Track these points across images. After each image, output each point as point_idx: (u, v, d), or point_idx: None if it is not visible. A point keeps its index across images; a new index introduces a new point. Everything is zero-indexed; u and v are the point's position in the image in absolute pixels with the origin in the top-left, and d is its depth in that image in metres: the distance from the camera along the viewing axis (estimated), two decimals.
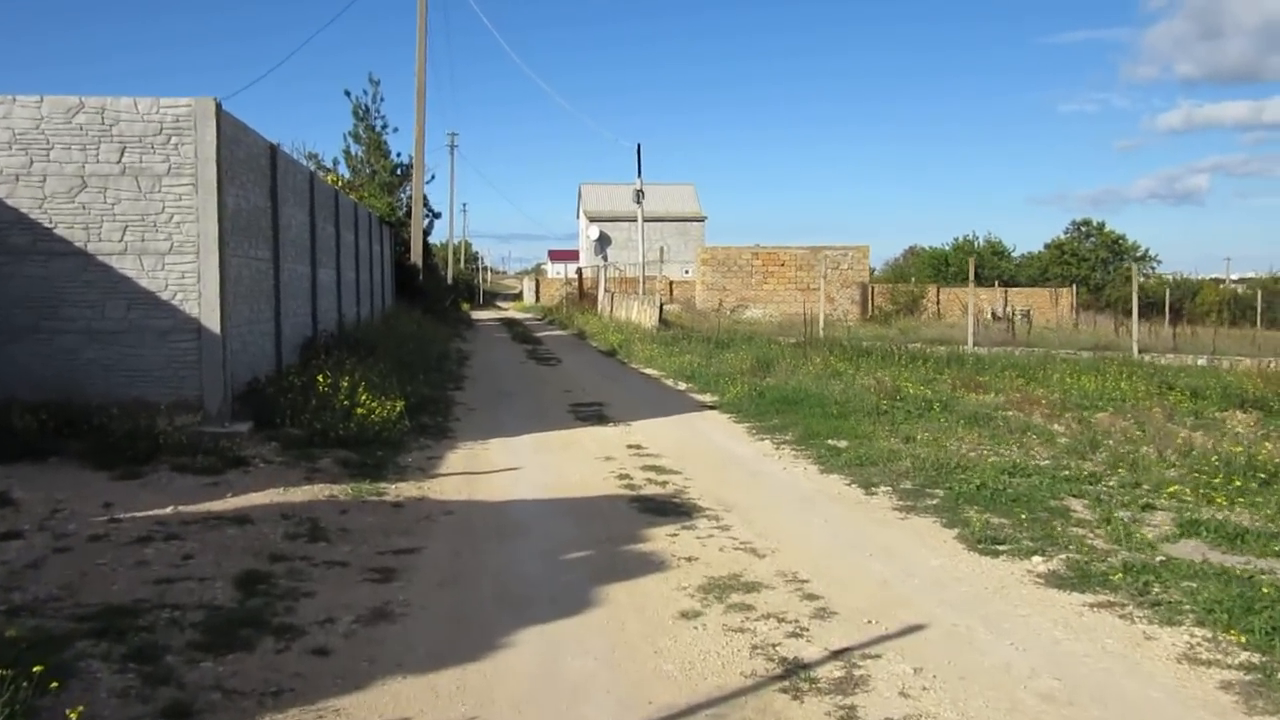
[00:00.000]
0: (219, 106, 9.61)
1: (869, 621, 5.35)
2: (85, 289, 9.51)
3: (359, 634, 5.04)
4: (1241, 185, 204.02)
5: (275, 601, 5.42)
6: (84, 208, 9.48)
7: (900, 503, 8.17)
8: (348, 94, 37.29)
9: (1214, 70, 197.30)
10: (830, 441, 11.10)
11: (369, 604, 5.47)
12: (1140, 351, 23.74)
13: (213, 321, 9.57)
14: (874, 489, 8.65)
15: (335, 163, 36.30)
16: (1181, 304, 49.97)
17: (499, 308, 72.54)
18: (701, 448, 10.96)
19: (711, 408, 14.38)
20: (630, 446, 10.95)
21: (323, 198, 16.33)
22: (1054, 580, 6.06)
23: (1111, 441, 11.12)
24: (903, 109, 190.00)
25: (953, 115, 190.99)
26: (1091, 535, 7.08)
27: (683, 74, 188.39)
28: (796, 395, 14.53)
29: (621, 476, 9.23)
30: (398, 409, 10.58)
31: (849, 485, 8.85)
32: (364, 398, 10.28)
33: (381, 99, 37.68)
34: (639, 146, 33.17)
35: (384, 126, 38.01)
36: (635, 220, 67.97)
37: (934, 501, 8.16)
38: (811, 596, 5.77)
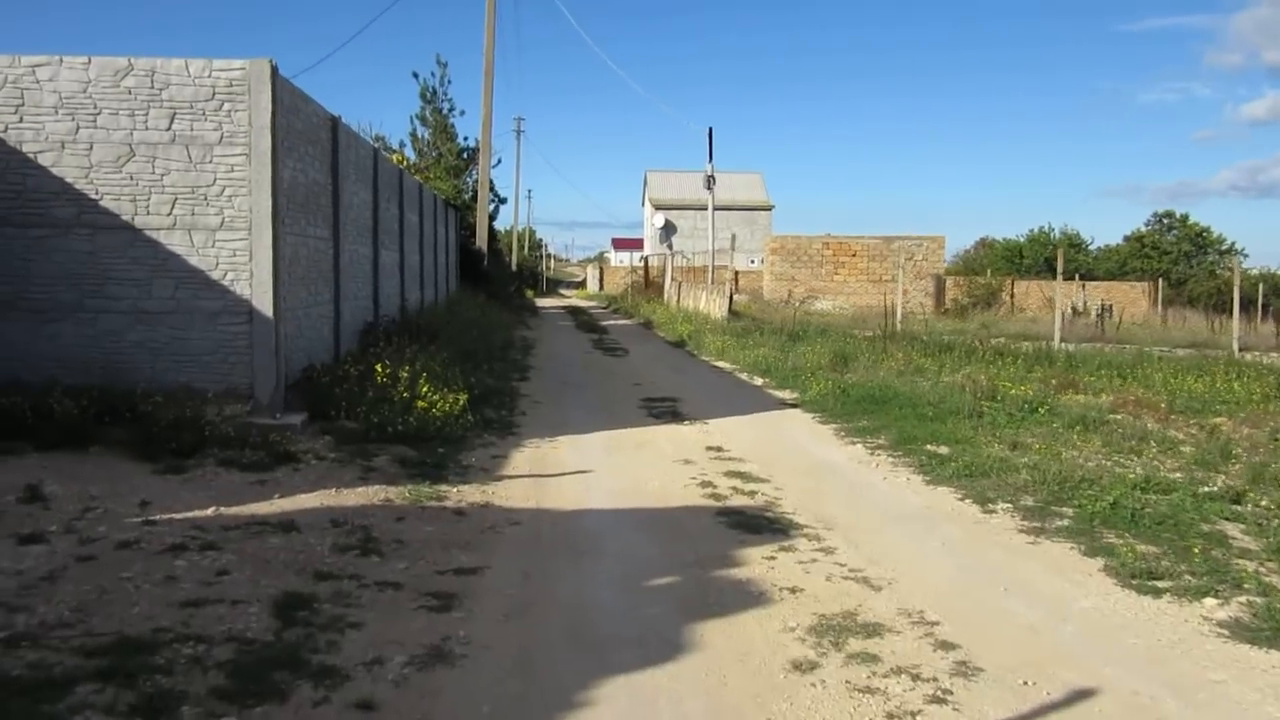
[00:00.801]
0: (275, 70, 8.89)
1: (1025, 683, 4.39)
2: (132, 266, 8.86)
3: (411, 681, 4.21)
4: None
5: (317, 634, 4.63)
6: (131, 178, 8.83)
7: (1026, 523, 7.15)
8: (415, 76, 36.88)
9: None
10: (930, 447, 10.10)
11: (424, 640, 4.65)
12: (1241, 350, 22.24)
13: (265, 304, 8.87)
14: (991, 505, 7.64)
15: (401, 145, 35.93)
16: (1269, 300, 47.59)
17: (563, 295, 72.06)
18: (788, 452, 10.02)
19: (793, 405, 13.41)
20: (710, 449, 10.05)
21: (386, 176, 15.65)
22: (1241, 631, 5.03)
23: (1241, 451, 9.97)
24: (974, 100, 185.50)
25: (1026, 106, 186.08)
26: (1264, 570, 6.02)
27: (750, 65, 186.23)
28: (883, 394, 13.50)
29: (704, 484, 8.34)
30: (460, 403, 9.81)
31: (962, 500, 7.85)
32: (425, 390, 9.51)
33: (449, 81, 37.23)
34: (710, 130, 32.12)
35: (451, 109, 37.59)
36: (701, 209, 67.07)
37: (1064, 523, 7.14)
38: (946, 645, 4.82)
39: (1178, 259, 61.10)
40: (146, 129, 8.83)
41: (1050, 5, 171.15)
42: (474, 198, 34.88)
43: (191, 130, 8.87)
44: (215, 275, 8.90)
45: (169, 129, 8.86)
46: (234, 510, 6.75)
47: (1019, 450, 9.94)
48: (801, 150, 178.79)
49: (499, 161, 43.51)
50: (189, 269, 8.87)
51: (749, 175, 72.65)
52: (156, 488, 7.22)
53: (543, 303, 52.27)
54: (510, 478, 8.45)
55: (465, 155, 37.72)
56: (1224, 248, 63.24)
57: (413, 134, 37.57)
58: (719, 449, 10.04)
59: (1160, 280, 48.78)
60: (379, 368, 9.50)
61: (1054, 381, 15.55)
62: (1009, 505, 7.61)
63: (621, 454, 9.74)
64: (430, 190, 22.75)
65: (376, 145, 30.66)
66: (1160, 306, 45.37)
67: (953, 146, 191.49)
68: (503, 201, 43.45)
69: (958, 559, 6.34)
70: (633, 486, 8.25)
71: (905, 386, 14.64)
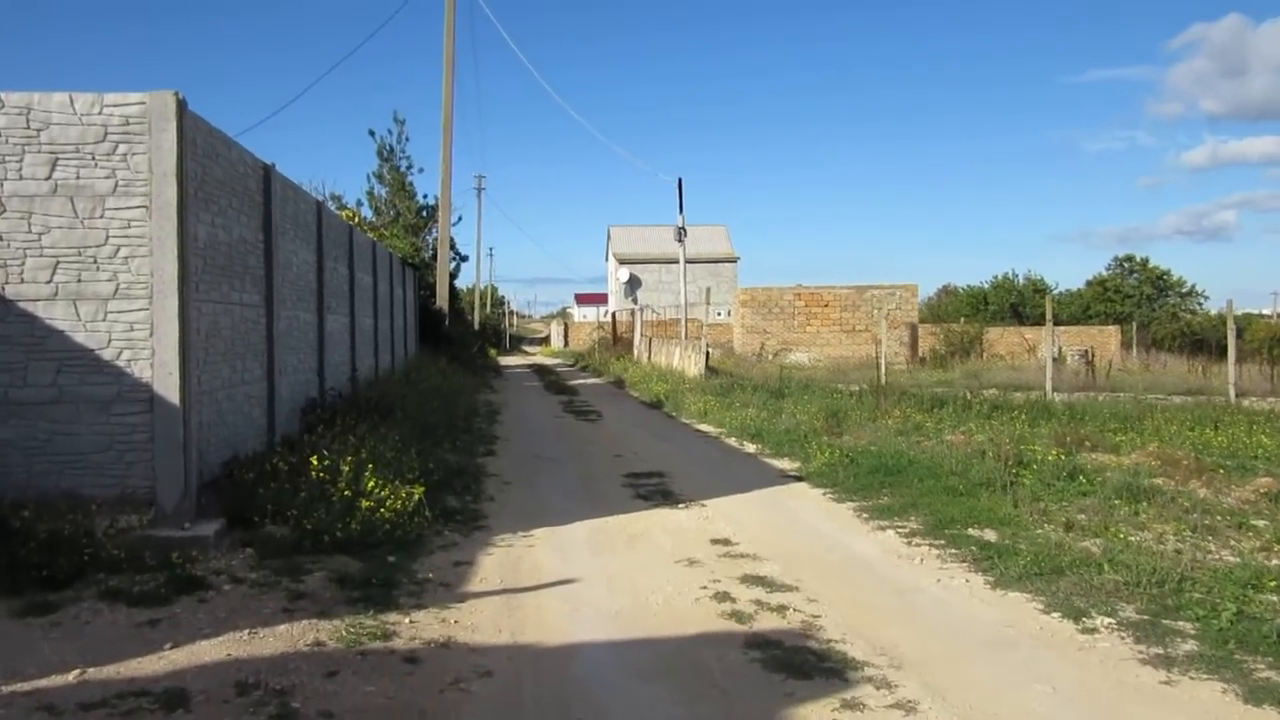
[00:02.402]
0: (182, 105, 7.31)
1: None
2: (1, 348, 7.16)
3: None
4: (1269, 221, 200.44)
5: None
6: (1, 239, 7.17)
7: (1143, 649, 5.59)
8: (372, 134, 35.59)
9: (1239, 106, 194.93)
10: (973, 532, 8.59)
11: None
12: (1238, 396, 21.17)
13: (170, 388, 7.19)
14: (1087, 620, 6.07)
15: (359, 204, 34.52)
16: (1225, 341, 47.09)
17: (526, 353, 70.48)
18: (808, 543, 8.44)
19: (796, 478, 11.85)
20: (716, 541, 8.44)
21: (333, 233, 14.05)
22: None
23: None
24: (928, 149, 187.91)
25: (979, 156, 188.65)
26: None
27: (707, 116, 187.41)
28: (896, 462, 12.00)
29: (719, 595, 6.72)
30: (415, 497, 8.14)
31: (1046, 613, 6.27)
32: (370, 484, 7.84)
33: (407, 139, 35.98)
34: (680, 181, 30.87)
35: (409, 167, 36.34)
36: (665, 262, 66.01)
37: (1190, 646, 5.60)
38: None
39: (1140, 301, 61.01)
40: (20, 178, 7.19)
41: (997, 57, 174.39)
42: (434, 256, 33.40)
43: (78, 179, 7.24)
44: (107, 355, 7.22)
45: (49, 178, 7.22)
46: (106, 672, 5.03)
47: (1075, 532, 8.47)
48: (759, 203, 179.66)
49: (459, 219, 41.95)
50: (74, 348, 7.19)
51: (714, 228, 71.87)
52: (10, 640, 5.49)
53: (507, 361, 50.61)
54: (477, 595, 6.78)
55: (424, 213, 36.35)
56: (1184, 290, 63.33)
57: (370, 192, 36.20)
58: (726, 541, 8.44)
59: (1135, 324, 48.30)
60: (314, 460, 7.80)
61: (1068, 439, 14.22)
62: (1109, 620, 6.05)
63: (611, 553, 8.10)
64: (385, 249, 21.18)
65: (321, 198, 29.20)
66: (1135, 350, 44.76)
67: (910, 197, 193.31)
68: (464, 259, 41.89)
69: (1079, 713, 4.76)
70: (632, 604, 6.61)
71: (914, 450, 13.22)
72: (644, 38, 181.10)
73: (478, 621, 6.19)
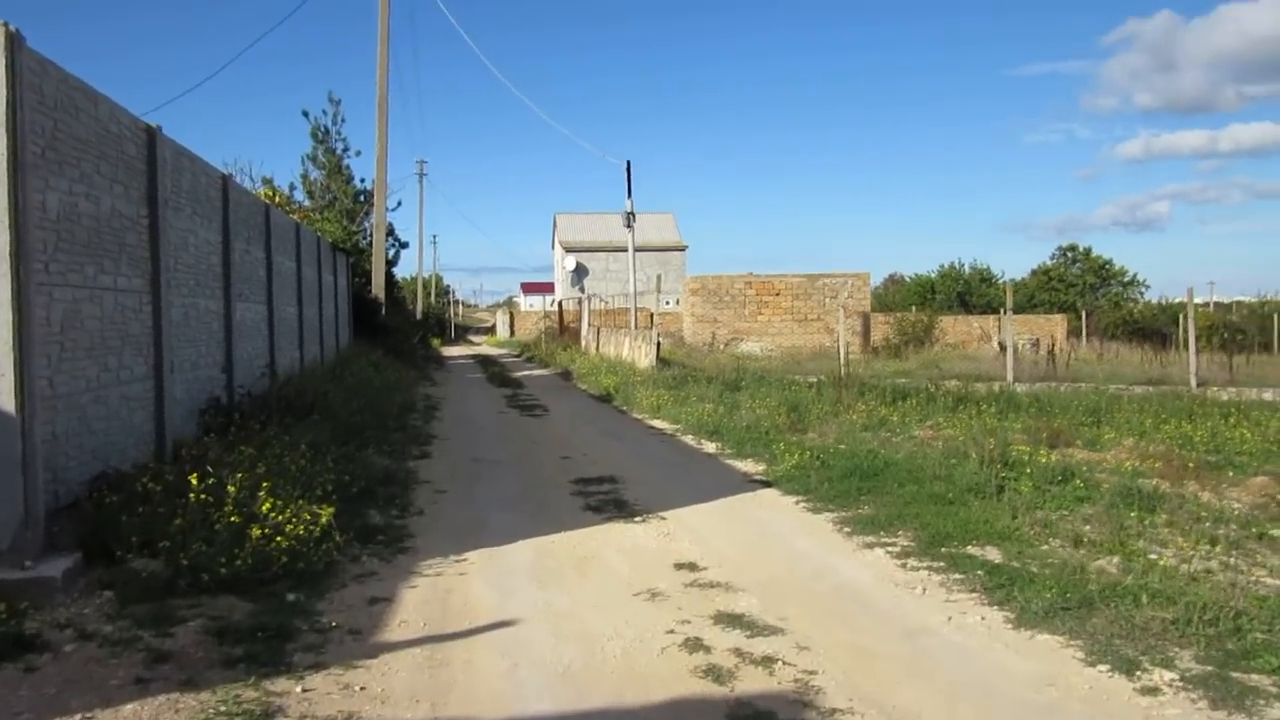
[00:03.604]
0: (15, 40, 5.86)
1: None
2: None
3: None
4: (1201, 212, 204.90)
5: None
6: None
7: (1222, 716, 4.48)
8: (305, 115, 33.78)
9: (1171, 100, 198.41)
10: (973, 551, 7.49)
11: None
12: (1199, 385, 20.59)
13: (2, 391, 5.76)
14: (1141, 675, 4.93)
15: (291, 188, 32.75)
16: (1168, 329, 47.29)
17: (471, 342, 68.80)
18: (787, 566, 7.25)
19: (763, 483, 10.68)
20: (680, 566, 7.22)
21: (244, 212, 12.56)
22: None
23: None
24: (874, 138, 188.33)
25: (925, 144, 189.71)
26: None
27: (653, 105, 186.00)
28: (872, 464, 10.91)
29: (690, 644, 5.49)
30: (323, 519, 6.79)
31: (1092, 665, 5.10)
32: (266, 506, 6.47)
33: (343, 120, 34.22)
34: (628, 164, 29.63)
35: (346, 150, 34.64)
36: (612, 250, 64.62)
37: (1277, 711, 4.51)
38: None
39: (1083, 290, 61.30)
40: None
41: (942, 46, 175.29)
42: (372, 243, 31.77)
43: None
44: None
45: None
46: None
47: (1086, 548, 7.43)
48: (704, 191, 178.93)
49: (399, 204, 40.30)
50: None
51: (661, 216, 70.66)
52: None
53: (451, 352, 49.02)
54: (393, 646, 5.48)
55: (362, 198, 34.66)
56: (1126, 279, 63.77)
57: (304, 176, 34.42)
58: (692, 565, 7.22)
59: (1085, 313, 48.20)
60: (193, 479, 6.39)
61: (1044, 435, 13.32)
62: (1169, 674, 4.91)
63: (558, 583, 6.84)
64: (312, 231, 19.61)
65: (265, 190, 27.41)
66: (1085, 339, 44.57)
67: (856, 186, 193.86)
68: (404, 246, 40.17)
69: None
70: (584, 656, 5.35)
71: (887, 449, 12.19)
72: (590, 29, 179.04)
73: (391, 687, 4.89)
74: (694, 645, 5.48)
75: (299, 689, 4.80)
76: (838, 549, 7.77)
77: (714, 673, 5.06)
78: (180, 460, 7.45)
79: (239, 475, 6.66)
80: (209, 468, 6.80)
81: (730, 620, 5.91)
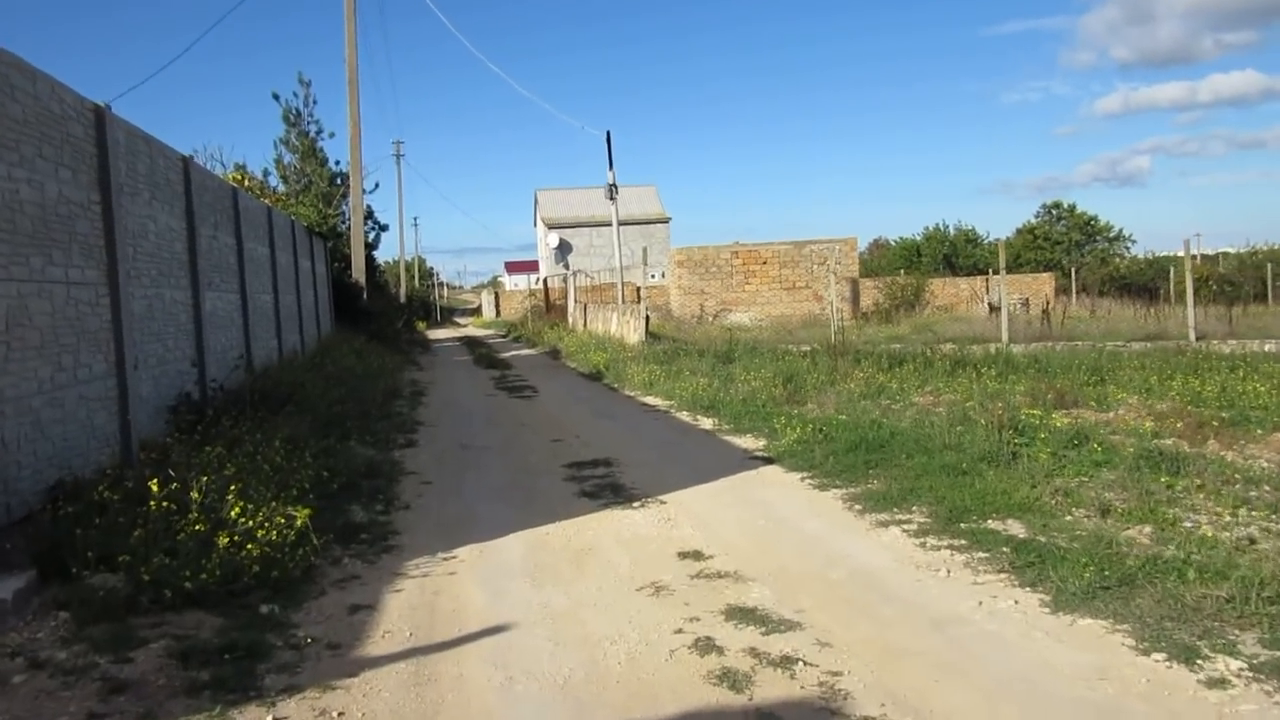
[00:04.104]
0: None
1: None
2: None
3: None
4: (1181, 165, 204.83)
5: None
6: None
7: None
8: (276, 97, 33.03)
9: (1148, 54, 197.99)
10: (994, 525, 7.06)
11: None
12: (1198, 339, 20.27)
13: None
14: (1204, 664, 4.47)
15: (265, 173, 32.02)
16: (1156, 283, 47.07)
17: (457, 324, 68.16)
18: (799, 551, 6.80)
19: (765, 459, 10.23)
20: (685, 555, 6.77)
21: (209, 196, 11.97)
22: None
23: None
24: (852, 102, 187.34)
25: (903, 108, 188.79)
26: None
27: (631, 80, 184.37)
28: (876, 435, 10.48)
29: (701, 645, 5.04)
30: (297, 523, 6.29)
31: (1145, 655, 4.64)
32: (235, 511, 5.97)
33: (315, 101, 33.47)
34: (609, 134, 28.95)
35: (319, 131, 33.91)
36: (595, 225, 63.90)
37: None
38: None
39: (1069, 248, 61.06)
40: None
41: (916, 8, 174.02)
42: (350, 226, 31.09)
43: None
44: None
45: None
46: None
47: (1115, 518, 7.01)
48: (686, 162, 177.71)
49: (376, 186, 39.78)
50: None
51: (643, 188, 69.91)
52: None
53: (436, 334, 48.43)
54: (375, 662, 5.01)
55: (338, 181, 33.94)
56: (1112, 235, 63.46)
57: (278, 160, 33.67)
58: (697, 554, 6.76)
59: (1075, 271, 47.92)
60: (154, 485, 5.88)
61: (1048, 396, 12.92)
62: (1234, 662, 4.47)
63: (554, 580, 6.37)
64: (285, 215, 18.98)
65: (237, 176, 26.64)
66: (1075, 296, 44.30)
67: (836, 152, 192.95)
68: (384, 229, 39.45)
69: None
70: (584, 664, 4.89)
71: (890, 419, 11.78)
72: (565, 4, 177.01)
73: (372, 711, 4.42)
74: (705, 646, 5.02)
75: (269, 718, 4.32)
76: (850, 529, 7.32)
77: (729, 678, 4.61)
78: (142, 464, 6.92)
79: (204, 479, 6.15)
80: (171, 471, 6.27)
81: (742, 615, 5.46)
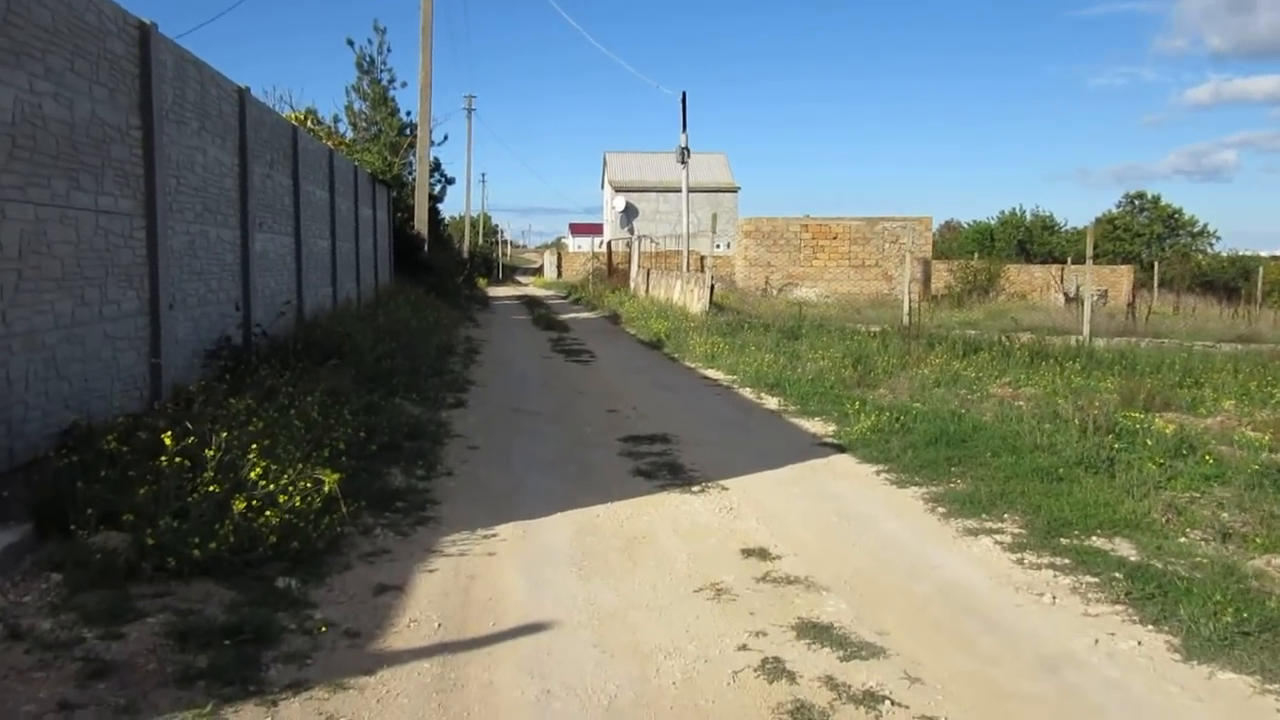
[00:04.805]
0: None
1: None
2: None
3: None
4: (1270, 161, 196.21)
5: None
6: None
7: None
8: (350, 43, 32.67)
9: (1244, 43, 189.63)
10: (1098, 542, 6.25)
11: None
12: None
13: None
14: None
15: (335, 120, 31.72)
16: (1237, 283, 45.03)
17: (519, 283, 67.89)
18: (878, 557, 6.05)
19: (836, 447, 9.45)
20: (749, 553, 6.06)
21: (266, 132, 11.42)
22: None
23: None
24: (929, 86, 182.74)
25: (982, 92, 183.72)
26: None
27: (703, 47, 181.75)
28: (958, 428, 9.62)
29: (769, 668, 4.34)
30: (325, 489, 5.70)
31: None
32: (256, 472, 5.38)
33: (389, 50, 33.02)
34: (684, 96, 28.06)
35: (391, 80, 33.56)
36: (663, 191, 62.83)
37: None
38: None
39: (1149, 241, 58.78)
40: None
41: None
42: (416, 176, 30.66)
43: None
44: None
45: None
46: None
47: (1236, 544, 6.15)
48: (757, 135, 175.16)
49: (445, 138, 39.24)
50: None
51: (713, 155, 68.55)
52: None
53: (497, 292, 48.11)
54: (398, 658, 4.40)
55: (407, 131, 33.52)
56: (1196, 230, 60.94)
57: (349, 107, 33.40)
58: (763, 553, 6.05)
59: (1156, 265, 46.00)
60: (167, 439, 5.30)
61: (1141, 397, 11.91)
62: None
63: (603, 571, 5.71)
64: (348, 160, 18.47)
65: (309, 123, 26.27)
66: (1156, 292, 42.47)
67: (909, 135, 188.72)
68: (450, 182, 39.02)
69: None
70: (635, 684, 4.22)
71: (971, 411, 10.90)
72: None
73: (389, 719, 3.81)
74: (774, 670, 4.32)
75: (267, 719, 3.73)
76: (934, 535, 6.55)
77: (803, 714, 3.91)
78: (158, 414, 6.37)
79: (223, 434, 5.56)
80: (189, 424, 5.70)
81: (816, 633, 4.74)
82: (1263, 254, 55.63)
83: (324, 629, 4.59)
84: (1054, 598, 5.29)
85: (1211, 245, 60.05)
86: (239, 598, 4.86)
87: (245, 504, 5.12)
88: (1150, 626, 4.87)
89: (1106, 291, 39.91)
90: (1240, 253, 55.99)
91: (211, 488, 5.14)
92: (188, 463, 5.28)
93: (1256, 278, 38.86)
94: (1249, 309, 30.17)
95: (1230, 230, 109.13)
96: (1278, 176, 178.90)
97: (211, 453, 5.32)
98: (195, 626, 4.43)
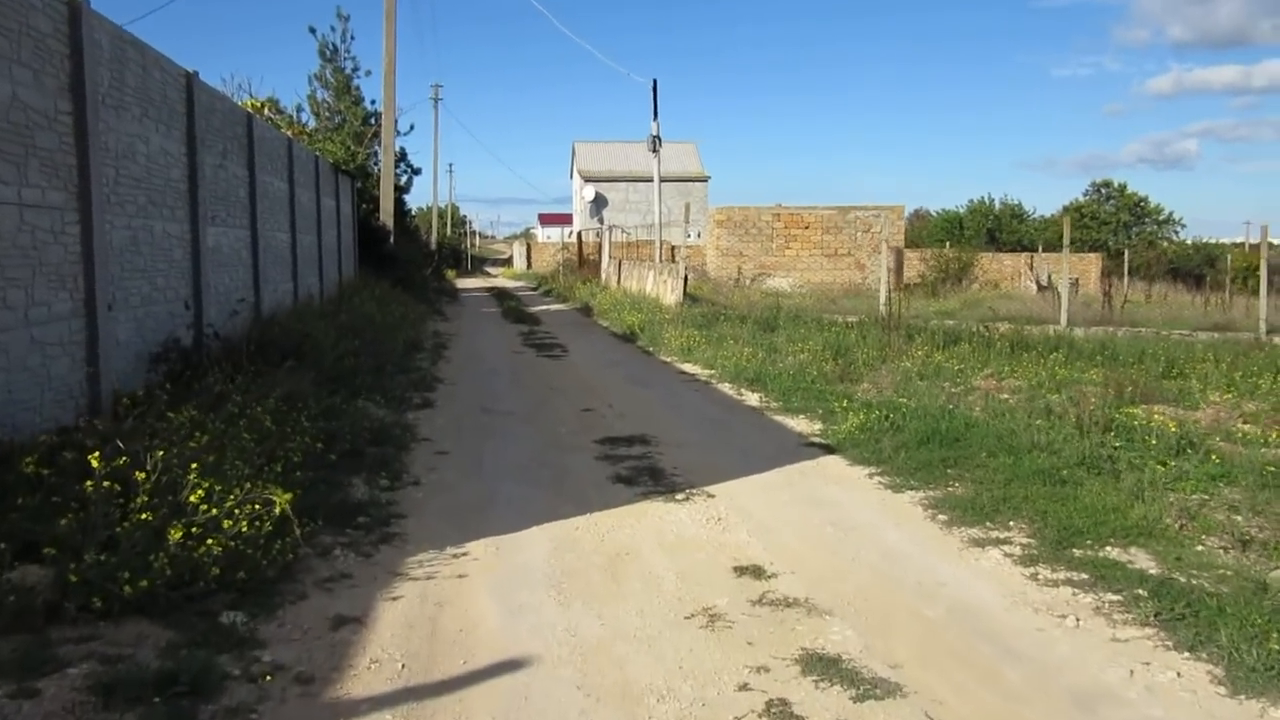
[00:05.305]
0: None
1: None
2: None
3: None
4: (1231, 150, 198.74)
5: None
6: None
7: None
8: (312, 31, 31.61)
9: (1204, 34, 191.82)
10: (1114, 553, 5.84)
11: None
12: (1268, 332, 18.76)
13: None
14: None
15: (298, 109, 30.82)
16: (1202, 270, 45.25)
17: (488, 274, 67.04)
18: (882, 575, 5.59)
19: (824, 447, 9.01)
20: (742, 570, 5.59)
21: (218, 120, 10.77)
22: None
23: None
24: (898, 74, 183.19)
25: (950, 80, 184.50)
26: None
27: (672, 37, 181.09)
28: (950, 426, 9.20)
29: (775, 712, 3.86)
30: (275, 511, 5.15)
31: None
32: (196, 496, 4.83)
33: (352, 38, 32.05)
34: (654, 84, 27.46)
35: (355, 69, 32.54)
36: (633, 180, 62.17)
37: None
38: None
39: (1116, 229, 59.04)
40: None
41: None
42: (381, 167, 29.89)
43: None
44: None
45: None
46: None
47: (1258, 553, 5.77)
48: (728, 125, 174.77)
49: (411, 128, 38.55)
50: None
51: (683, 145, 67.90)
52: None
53: (466, 284, 47.33)
54: (355, 709, 3.88)
55: (372, 120, 32.69)
56: (1162, 218, 61.30)
57: (311, 96, 32.36)
58: (757, 571, 5.58)
59: (1127, 253, 46.08)
60: (95, 461, 4.72)
61: (1126, 389, 11.58)
62: None
63: (585, 595, 5.21)
64: (307, 150, 17.79)
65: (269, 112, 25.49)
66: (1126, 279, 42.50)
67: (879, 123, 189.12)
68: (416, 173, 38.17)
69: None
70: None
71: (960, 406, 10.51)
72: None
73: None
74: (780, 714, 3.85)
75: None
76: (938, 547, 6.10)
77: None
78: (84, 433, 5.77)
79: (159, 453, 5.00)
80: (121, 441, 5.12)
81: (823, 667, 4.27)
82: (1224, 241, 56.07)
83: (270, 676, 4.06)
84: (1077, 620, 4.86)
85: (1177, 233, 60.49)
86: (177, 638, 4.32)
87: (184, 532, 4.56)
88: (1187, 654, 4.44)
89: (1077, 280, 39.89)
90: (1204, 240, 56.45)
91: (144, 515, 4.58)
92: (118, 487, 4.71)
93: (1223, 265, 38.95)
94: (1220, 297, 30.13)
95: (1193, 218, 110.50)
96: (1238, 165, 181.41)
97: (144, 475, 4.75)
98: (123, 677, 3.88)
